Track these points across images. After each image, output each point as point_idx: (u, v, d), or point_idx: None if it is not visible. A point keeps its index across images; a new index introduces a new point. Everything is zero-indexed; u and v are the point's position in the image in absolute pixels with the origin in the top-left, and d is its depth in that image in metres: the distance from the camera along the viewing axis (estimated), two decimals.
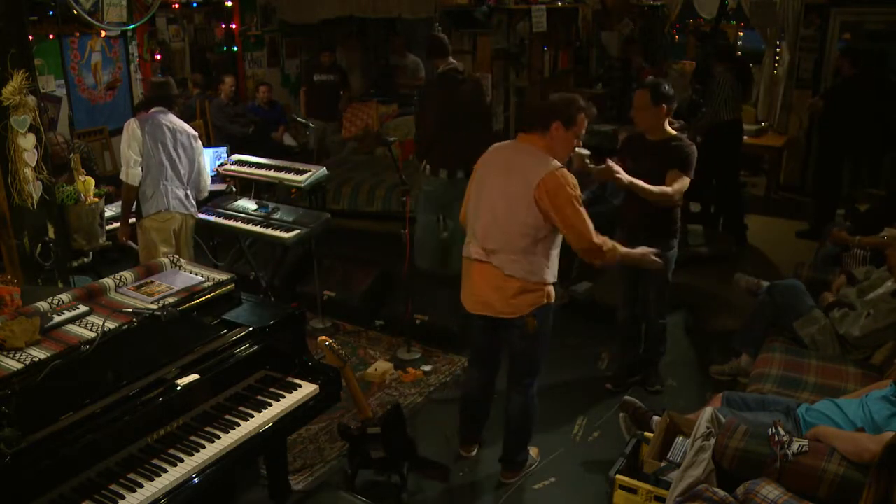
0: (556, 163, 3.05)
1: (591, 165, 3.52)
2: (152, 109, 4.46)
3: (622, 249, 3.27)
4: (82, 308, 2.72)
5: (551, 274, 3.21)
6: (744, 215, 6.63)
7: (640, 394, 4.15)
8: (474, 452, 3.72)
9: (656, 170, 3.78)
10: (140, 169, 4.28)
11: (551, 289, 3.24)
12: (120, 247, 4.60)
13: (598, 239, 3.12)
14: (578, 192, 3.07)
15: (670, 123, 3.93)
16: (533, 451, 3.65)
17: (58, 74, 6.49)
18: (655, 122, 3.84)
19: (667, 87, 3.82)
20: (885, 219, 4.59)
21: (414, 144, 6.68)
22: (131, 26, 4.96)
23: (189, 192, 4.53)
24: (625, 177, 3.64)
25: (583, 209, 3.07)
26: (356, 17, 8.43)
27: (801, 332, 3.89)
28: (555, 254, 3.21)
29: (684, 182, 3.79)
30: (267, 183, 5.46)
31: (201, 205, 4.84)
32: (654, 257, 3.43)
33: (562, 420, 4.00)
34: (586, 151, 3.53)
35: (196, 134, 4.56)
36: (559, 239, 3.19)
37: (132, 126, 4.30)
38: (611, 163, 3.64)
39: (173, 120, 4.45)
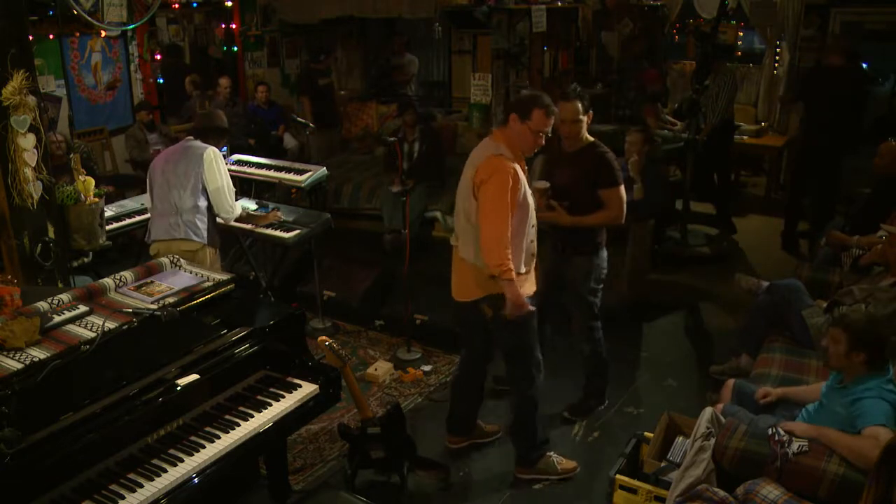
0: (503, 151, 3.12)
1: (549, 202, 3.58)
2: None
3: (514, 285, 3.10)
4: (82, 308, 2.73)
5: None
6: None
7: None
8: (461, 446, 3.74)
9: (578, 181, 3.62)
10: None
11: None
12: (120, 247, 4.58)
13: (502, 250, 3.03)
14: (511, 183, 3.06)
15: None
16: (569, 464, 3.56)
17: (58, 74, 6.48)
18: (581, 132, 3.64)
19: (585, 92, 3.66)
20: (877, 215, 4.58)
21: None
22: (131, 26, 4.94)
23: (184, 216, 3.97)
24: (566, 218, 3.65)
25: (504, 207, 3.04)
26: (356, 17, 8.42)
27: (810, 321, 3.87)
28: (511, 244, 3.12)
29: (622, 196, 3.64)
30: (267, 183, 5.45)
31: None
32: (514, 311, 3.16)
33: (562, 420, 4.00)
34: (545, 184, 3.58)
35: (208, 152, 4.00)
36: (515, 229, 3.13)
37: None
38: (555, 204, 3.62)
39: (178, 146, 4.13)
